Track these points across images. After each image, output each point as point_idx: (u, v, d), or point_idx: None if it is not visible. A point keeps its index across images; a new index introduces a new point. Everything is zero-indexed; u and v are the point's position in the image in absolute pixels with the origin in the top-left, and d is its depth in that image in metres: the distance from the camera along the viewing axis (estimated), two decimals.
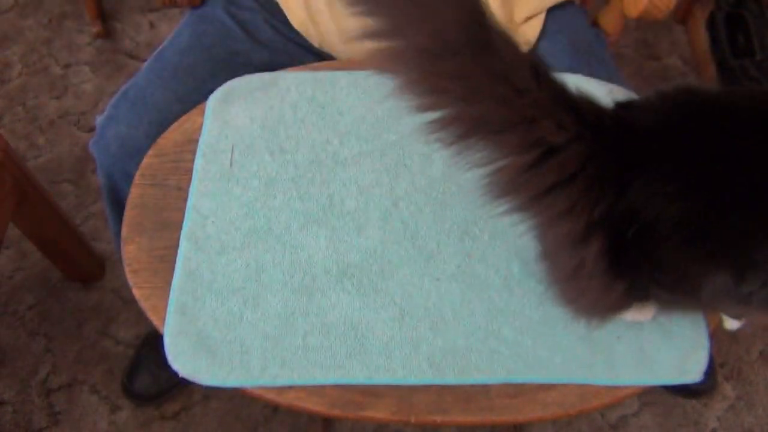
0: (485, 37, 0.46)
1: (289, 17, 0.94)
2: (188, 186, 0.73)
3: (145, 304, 0.66)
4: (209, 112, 0.79)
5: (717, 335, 1.38)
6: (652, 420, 1.31)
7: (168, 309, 0.65)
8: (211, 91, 0.81)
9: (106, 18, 1.83)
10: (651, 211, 0.50)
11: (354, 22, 0.47)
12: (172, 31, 0.97)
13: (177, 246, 0.69)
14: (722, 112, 0.53)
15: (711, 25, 1.69)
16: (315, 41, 0.94)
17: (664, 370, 0.62)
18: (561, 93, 0.50)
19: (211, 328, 0.64)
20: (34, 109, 1.67)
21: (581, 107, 0.50)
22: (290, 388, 0.61)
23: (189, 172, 0.74)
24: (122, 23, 1.84)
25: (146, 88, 0.89)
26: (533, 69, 0.48)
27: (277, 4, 0.95)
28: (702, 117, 0.52)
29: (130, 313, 1.38)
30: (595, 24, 1.01)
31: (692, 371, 0.63)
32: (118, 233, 1.01)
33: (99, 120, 0.90)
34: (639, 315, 0.63)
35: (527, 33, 0.89)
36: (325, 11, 0.89)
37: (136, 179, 0.74)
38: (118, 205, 0.96)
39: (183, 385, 1.28)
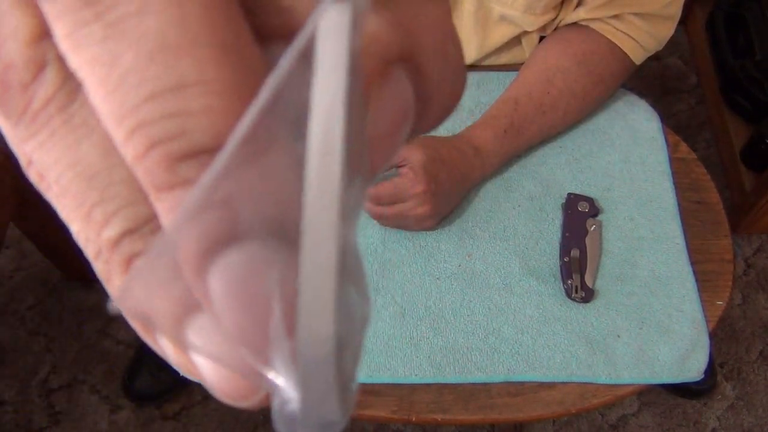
0: None
1: None
2: None
3: None
4: None
5: (717, 335, 1.38)
6: (652, 420, 1.31)
7: None
8: None
9: None
10: None
11: None
12: None
13: None
14: None
15: (711, 25, 1.69)
16: None
17: (664, 369, 0.62)
18: None
19: None
20: None
21: None
22: None
23: None
24: None
25: None
26: None
27: None
28: None
29: None
30: None
31: (692, 370, 0.63)
32: None
33: None
34: None
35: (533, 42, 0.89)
36: None
37: None
38: None
39: (183, 384, 1.28)
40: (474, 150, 0.69)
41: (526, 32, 0.77)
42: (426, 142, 0.67)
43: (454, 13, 0.75)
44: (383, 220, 0.68)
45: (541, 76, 0.73)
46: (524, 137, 0.72)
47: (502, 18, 0.74)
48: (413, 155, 0.64)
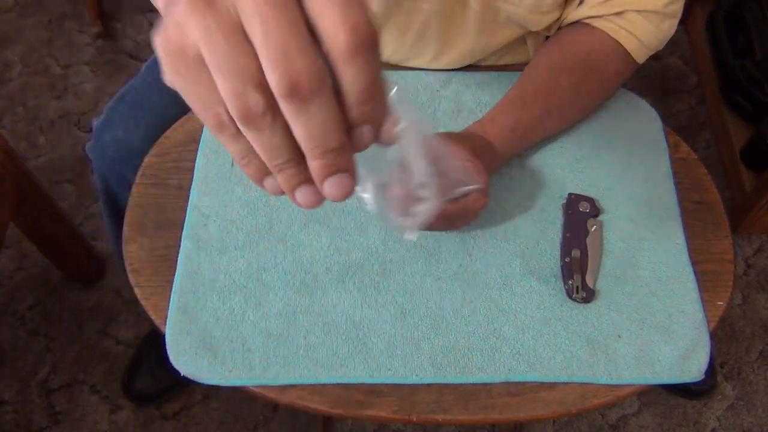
0: None
1: None
2: (189, 185, 0.73)
3: (146, 303, 0.66)
4: None
5: (717, 335, 1.38)
6: (652, 420, 1.31)
7: (169, 308, 0.65)
8: None
9: (106, 18, 1.84)
10: None
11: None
12: None
13: (178, 245, 0.69)
14: None
15: (711, 25, 1.69)
16: None
17: (664, 370, 0.62)
18: None
19: (212, 326, 0.64)
20: (35, 109, 1.67)
21: None
22: (292, 387, 0.61)
23: (190, 171, 0.74)
24: (122, 23, 1.84)
25: (144, 91, 0.88)
26: None
27: None
28: None
29: (130, 313, 1.38)
30: None
31: (693, 370, 0.63)
32: (113, 235, 1.01)
33: (96, 123, 0.90)
34: None
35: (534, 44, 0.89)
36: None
37: (138, 179, 0.74)
38: (114, 208, 0.96)
39: (183, 384, 1.28)
40: (488, 145, 0.69)
41: (531, 32, 0.77)
42: (455, 136, 0.66)
43: (458, 11, 0.74)
44: (436, 224, 0.64)
45: (546, 75, 0.73)
46: (530, 136, 0.72)
47: (508, 20, 0.74)
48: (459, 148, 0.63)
